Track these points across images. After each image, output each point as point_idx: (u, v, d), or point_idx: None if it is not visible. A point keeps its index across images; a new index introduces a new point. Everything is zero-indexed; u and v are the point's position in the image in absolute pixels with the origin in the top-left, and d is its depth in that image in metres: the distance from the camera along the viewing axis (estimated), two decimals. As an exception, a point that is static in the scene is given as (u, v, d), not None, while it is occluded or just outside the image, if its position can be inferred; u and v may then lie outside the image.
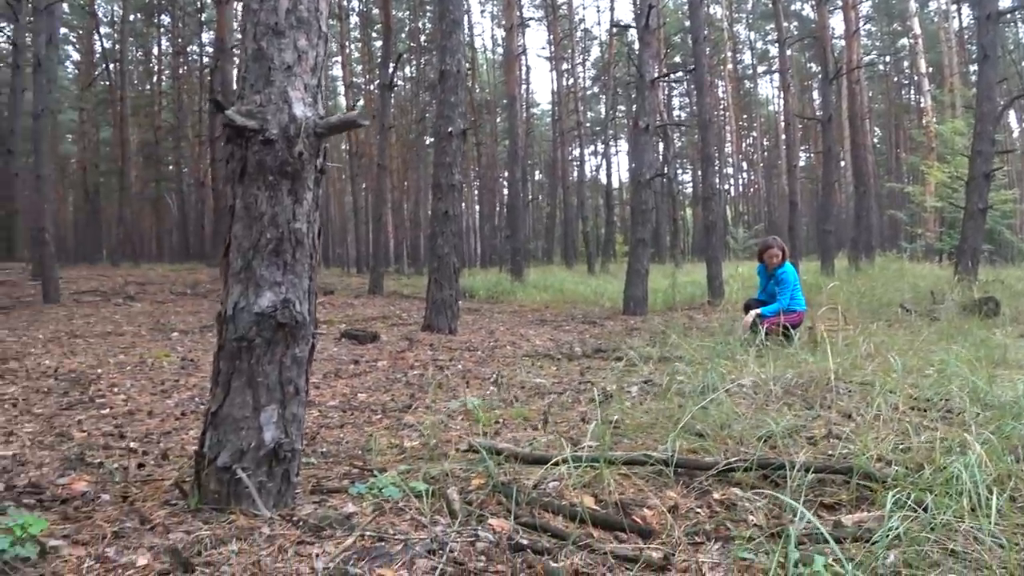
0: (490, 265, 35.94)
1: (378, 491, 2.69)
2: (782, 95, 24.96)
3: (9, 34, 25.27)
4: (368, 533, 2.30)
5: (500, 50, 42.14)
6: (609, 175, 39.93)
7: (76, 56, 41.26)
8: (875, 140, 45.48)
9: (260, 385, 2.45)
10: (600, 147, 49.43)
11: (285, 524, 2.36)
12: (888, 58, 45.46)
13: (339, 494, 2.74)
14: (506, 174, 37.68)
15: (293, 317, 2.47)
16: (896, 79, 47.55)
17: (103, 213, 38.53)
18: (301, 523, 2.37)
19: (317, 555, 2.11)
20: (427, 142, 36.62)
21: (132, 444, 3.67)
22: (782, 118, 27.81)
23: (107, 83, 35.97)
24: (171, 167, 41.19)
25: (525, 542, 2.32)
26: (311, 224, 2.56)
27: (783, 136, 30.48)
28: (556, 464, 2.99)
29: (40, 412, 4.45)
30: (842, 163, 35.88)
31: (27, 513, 2.27)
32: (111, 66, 34.74)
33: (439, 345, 7.90)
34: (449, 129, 9.18)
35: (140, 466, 3.21)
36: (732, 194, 54.20)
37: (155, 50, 42.08)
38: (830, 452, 3.24)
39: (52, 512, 2.53)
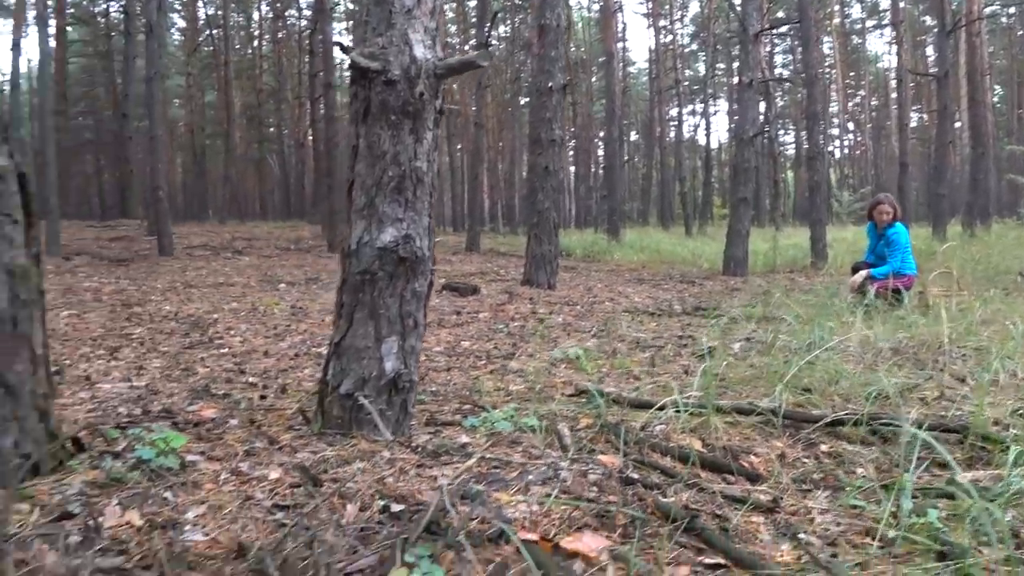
0: (585, 226, 35.77)
1: (490, 425, 2.77)
2: (894, 49, 23.77)
3: (122, 3, 26.32)
4: (487, 456, 2.39)
5: (596, 7, 41.51)
6: (708, 135, 39.16)
7: (181, 23, 42.72)
8: (995, 99, 42.90)
9: (381, 317, 2.55)
10: (698, 106, 48.20)
11: (404, 449, 2.47)
12: (1012, 9, 42.59)
13: (452, 427, 2.84)
14: (602, 134, 37.27)
15: (414, 252, 2.55)
16: (1021, 32, 44.59)
17: (209, 174, 40.01)
18: (419, 449, 2.47)
19: (436, 477, 2.20)
20: (522, 102, 36.52)
21: (252, 379, 3.86)
22: (893, 75, 26.54)
23: (211, 48, 37.17)
24: (272, 129, 42.40)
25: (635, 476, 2.36)
26: (431, 163, 2.62)
27: (894, 94, 29.08)
28: (662, 408, 3.01)
29: (165, 350, 4.72)
30: (957, 123, 34.07)
31: (168, 430, 2.44)
32: (214, 32, 35.84)
33: (538, 299, 7.98)
34: (549, 84, 9.16)
35: (262, 397, 3.39)
36: (837, 156, 52.24)
37: (255, 15, 43.11)
38: (942, 413, 3.15)
39: (186, 433, 2.70)
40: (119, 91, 26.40)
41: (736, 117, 13.27)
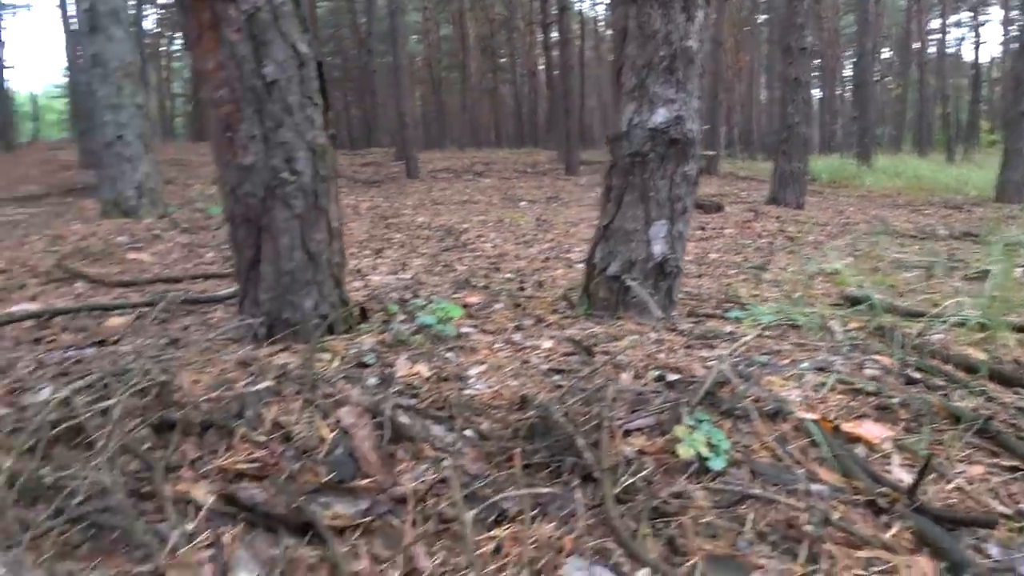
0: (829, 152, 33.47)
1: (755, 318, 2.69)
2: None
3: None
4: (756, 344, 2.33)
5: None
6: (976, 49, 35.00)
7: (416, -43, 44.01)
8: None
9: (651, 200, 2.53)
10: (965, 16, 42.83)
11: (670, 333, 2.46)
12: None
13: (715, 319, 2.79)
14: (848, 52, 34.41)
15: (685, 134, 2.50)
16: None
17: (446, 105, 41.53)
18: (685, 333, 2.45)
19: (706, 357, 2.17)
20: (759, 19, 34.51)
21: (508, 276, 4.01)
22: None
23: (445, -19, 38.14)
24: (504, 59, 43.06)
25: (917, 377, 2.21)
26: (701, 43, 2.53)
27: None
28: (937, 317, 2.80)
29: (424, 252, 5.02)
30: None
31: (445, 302, 2.59)
32: (444, -35, 36.69)
33: (786, 218, 7.62)
34: (802, -13, 8.54)
35: (520, 289, 3.51)
36: None
37: (486, -54, 43.48)
38: None
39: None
40: (362, 29, 27.90)
41: (1014, 25, 11.69)
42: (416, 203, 9.47)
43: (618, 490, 1.47)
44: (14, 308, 3.71)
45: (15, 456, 1.52)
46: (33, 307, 3.76)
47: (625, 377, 1.95)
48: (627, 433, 1.68)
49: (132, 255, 5.69)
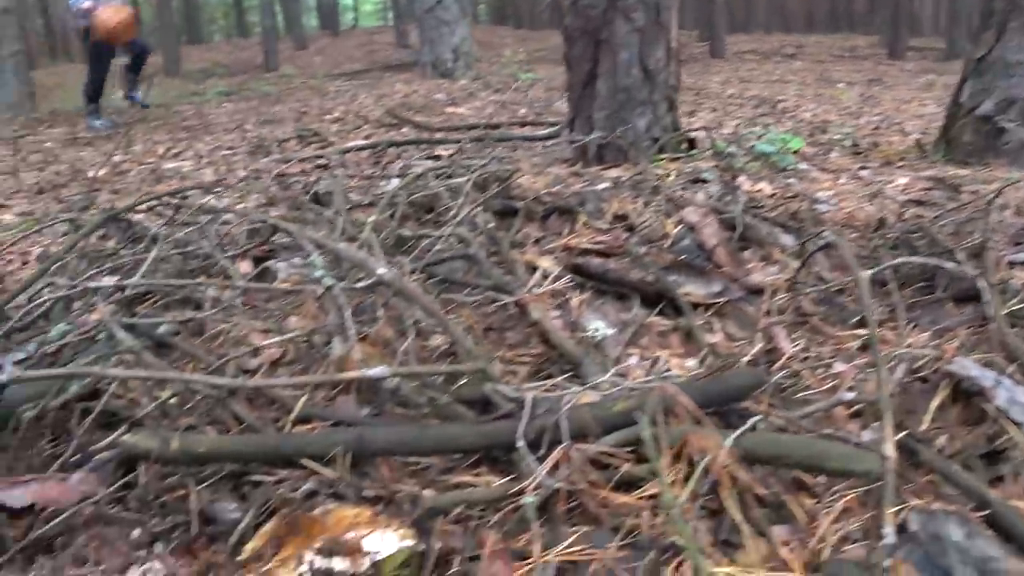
0: None
1: None
2: None
3: None
4: None
5: None
6: None
7: None
8: None
9: (1047, 26, 2.15)
10: None
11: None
12: None
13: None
14: None
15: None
16: None
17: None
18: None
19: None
20: None
21: (836, 136, 3.69)
22: None
23: None
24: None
25: None
26: None
27: None
28: None
29: (739, 116, 4.80)
30: None
31: (786, 133, 2.43)
32: None
33: None
34: None
35: (855, 145, 3.21)
36: None
37: None
38: None
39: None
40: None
41: None
42: (723, 79, 9.04)
43: (1005, 312, 1.29)
44: (350, 144, 4.11)
45: (377, 214, 1.64)
46: (369, 141, 4.15)
47: (1007, 214, 1.71)
48: (1011, 265, 1.48)
49: (450, 109, 6.02)
